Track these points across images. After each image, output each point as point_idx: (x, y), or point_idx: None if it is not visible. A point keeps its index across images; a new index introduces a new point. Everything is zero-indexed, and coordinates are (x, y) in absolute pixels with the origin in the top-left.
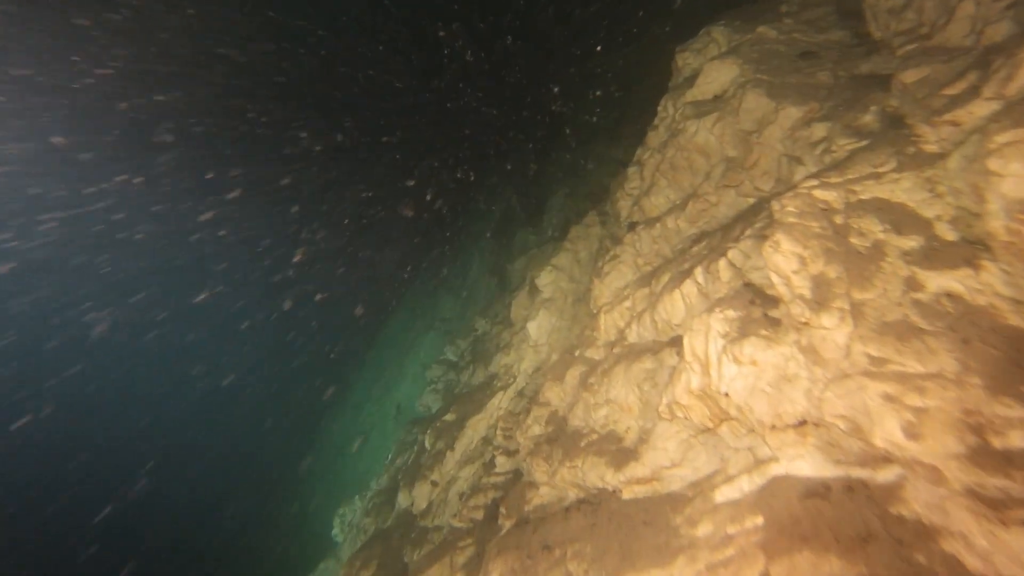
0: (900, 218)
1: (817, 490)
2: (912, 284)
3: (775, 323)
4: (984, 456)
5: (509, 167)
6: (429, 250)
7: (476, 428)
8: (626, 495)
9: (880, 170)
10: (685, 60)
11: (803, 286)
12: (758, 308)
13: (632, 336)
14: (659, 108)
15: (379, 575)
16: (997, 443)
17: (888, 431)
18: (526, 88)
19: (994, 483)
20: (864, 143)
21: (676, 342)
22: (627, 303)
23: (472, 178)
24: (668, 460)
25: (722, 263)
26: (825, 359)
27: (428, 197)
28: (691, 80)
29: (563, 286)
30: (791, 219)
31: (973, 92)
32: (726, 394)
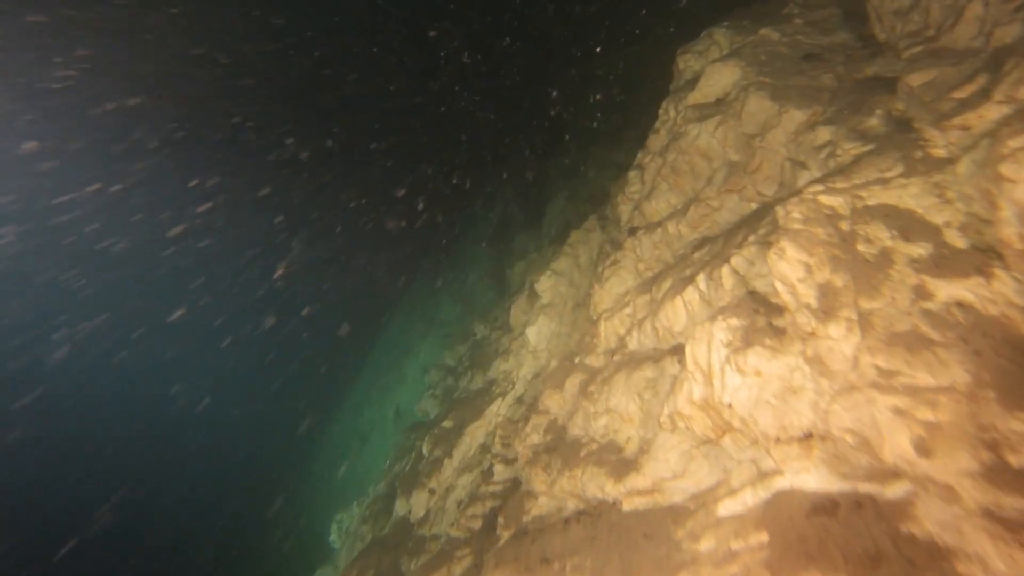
0: (908, 224)
1: (824, 506)
2: (921, 293)
3: (780, 332)
4: (1000, 474)
5: (506, 175)
6: (426, 256)
7: (474, 435)
8: (626, 507)
9: (887, 175)
10: (686, 62)
11: (809, 295)
12: (762, 317)
13: (633, 343)
14: (660, 111)
15: None
16: (1014, 461)
17: (898, 446)
18: (525, 91)
19: (1012, 503)
20: (870, 147)
21: (678, 350)
22: (628, 310)
23: (468, 184)
24: (669, 471)
25: (725, 270)
26: (832, 370)
27: (423, 205)
28: (693, 83)
29: (563, 291)
30: (796, 225)
31: (983, 95)
32: (729, 405)
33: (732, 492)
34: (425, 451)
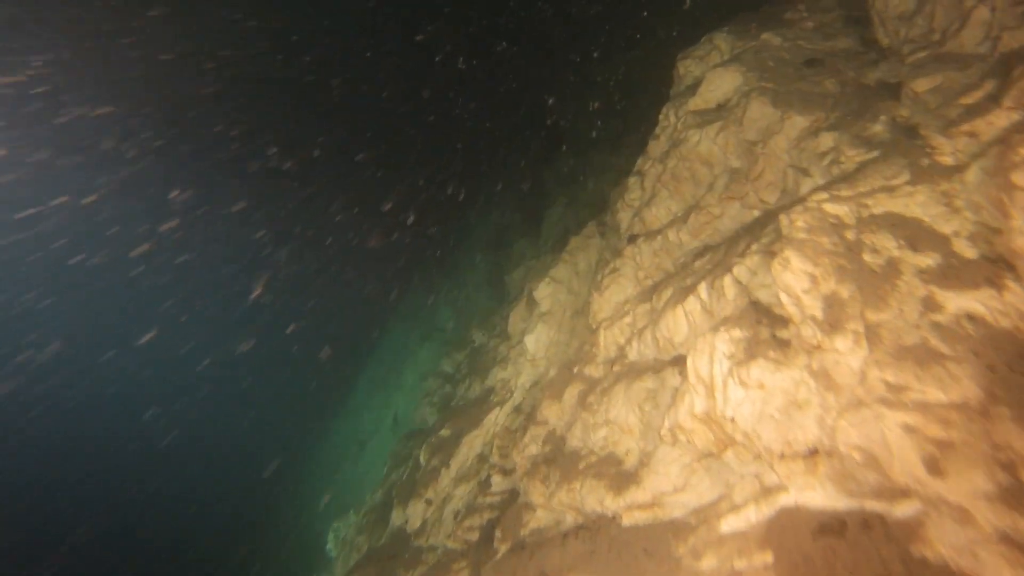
0: (915, 234)
1: (831, 526)
2: (930, 305)
3: (784, 345)
4: (1018, 497)
5: (500, 187)
6: (423, 264)
7: (472, 445)
8: (626, 521)
9: (893, 183)
10: (687, 68)
11: (814, 306)
12: (766, 328)
13: (632, 353)
14: (660, 117)
15: None
16: None
17: (908, 465)
18: (522, 97)
19: None
20: (874, 154)
21: (678, 361)
22: (627, 319)
23: (463, 193)
24: (670, 485)
25: (727, 279)
26: (838, 385)
27: (413, 217)
28: (693, 88)
29: (561, 299)
30: (801, 235)
31: (992, 101)
32: (732, 419)
33: (735, 508)
34: (422, 460)
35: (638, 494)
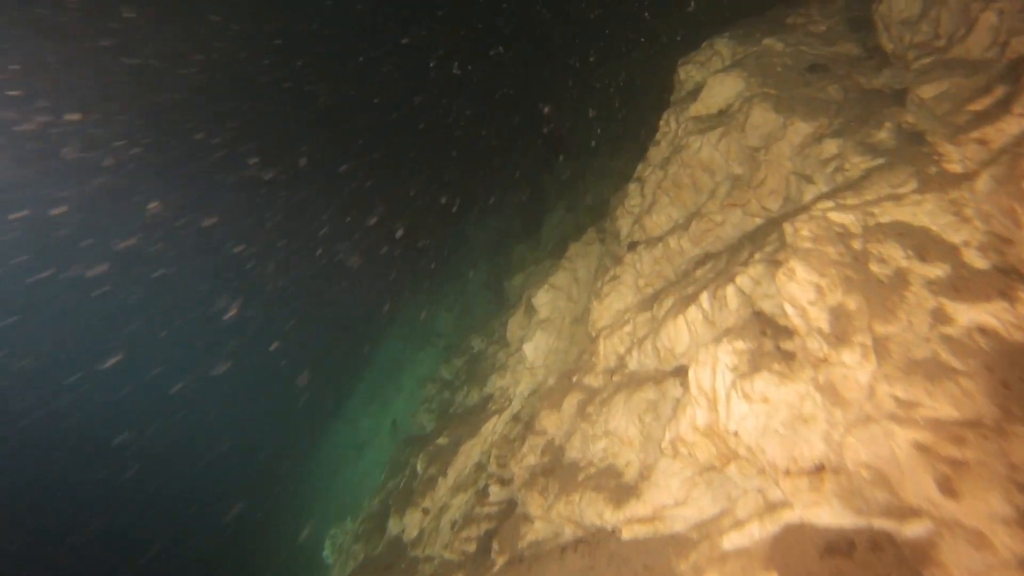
0: (923, 243)
1: (839, 545)
2: (940, 317)
3: (789, 357)
4: None
5: (492, 199)
6: (419, 273)
7: (469, 454)
8: (626, 535)
9: (900, 191)
10: (687, 73)
11: (820, 318)
12: (770, 340)
13: (633, 363)
14: (661, 123)
15: None
16: None
17: (920, 485)
18: (519, 104)
19: None
20: (880, 161)
21: (680, 372)
22: (627, 328)
23: (459, 204)
24: (671, 499)
25: (730, 289)
26: (846, 400)
27: (402, 230)
28: (694, 94)
29: (561, 306)
30: (806, 244)
31: (1002, 108)
32: (735, 433)
33: (738, 524)
34: (419, 468)
35: (638, 507)
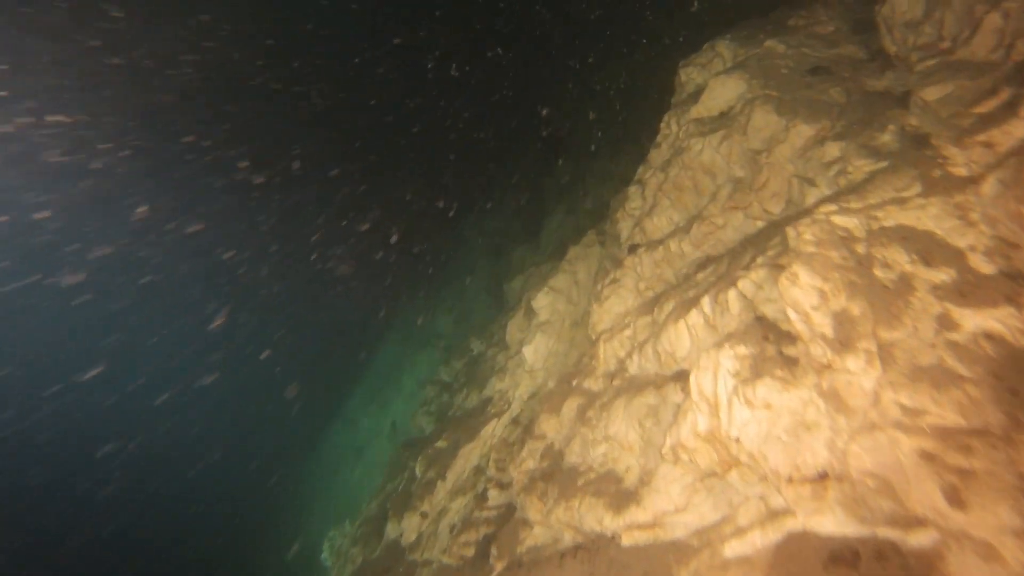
0: (928, 248)
1: (843, 554)
2: (946, 323)
3: (792, 363)
4: None
5: (491, 203)
6: (419, 275)
7: (468, 457)
8: (626, 541)
9: (904, 194)
10: (688, 75)
11: (824, 323)
12: (772, 345)
13: (633, 367)
14: (661, 125)
15: None
16: None
17: (927, 495)
18: (518, 106)
19: None
20: (883, 164)
21: (680, 376)
22: (628, 331)
23: (457, 208)
24: (671, 505)
25: (732, 293)
26: (850, 407)
27: (396, 236)
28: (695, 96)
29: (560, 309)
30: (809, 248)
31: (1009, 110)
32: (737, 439)
33: (740, 531)
34: (418, 472)
35: (638, 513)
